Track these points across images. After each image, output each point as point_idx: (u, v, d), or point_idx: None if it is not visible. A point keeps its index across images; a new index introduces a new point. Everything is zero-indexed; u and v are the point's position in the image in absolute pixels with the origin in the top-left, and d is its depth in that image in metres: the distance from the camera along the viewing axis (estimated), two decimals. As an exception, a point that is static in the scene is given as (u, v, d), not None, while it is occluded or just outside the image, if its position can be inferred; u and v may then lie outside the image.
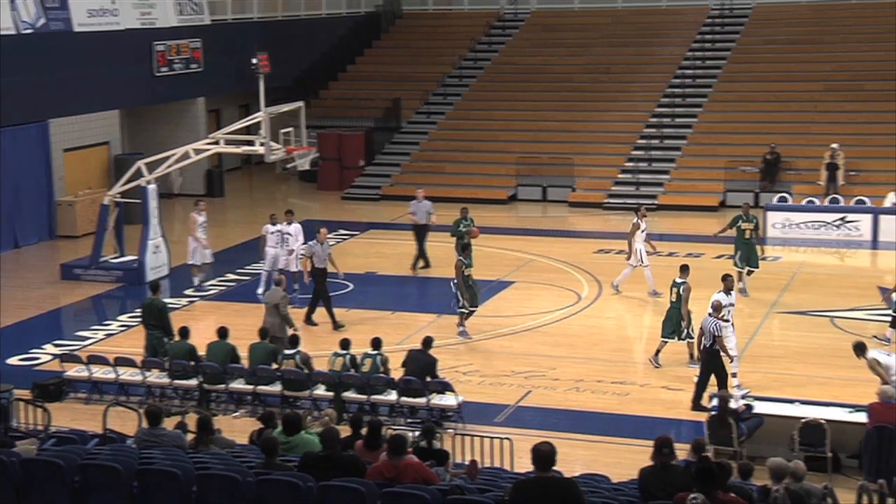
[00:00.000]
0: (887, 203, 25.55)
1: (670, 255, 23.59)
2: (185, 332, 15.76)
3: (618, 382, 16.06)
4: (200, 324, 18.26)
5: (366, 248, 24.82)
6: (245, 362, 15.42)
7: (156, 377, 15.67)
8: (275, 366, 15.18)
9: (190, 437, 10.89)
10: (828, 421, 12.63)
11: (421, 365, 14.65)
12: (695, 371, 15.45)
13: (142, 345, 16.49)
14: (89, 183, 28.22)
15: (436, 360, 14.82)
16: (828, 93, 31.14)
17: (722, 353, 14.70)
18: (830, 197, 26.73)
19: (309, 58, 35.87)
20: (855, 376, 14.46)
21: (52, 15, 25.06)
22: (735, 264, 20.34)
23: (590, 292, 21.01)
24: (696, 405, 14.69)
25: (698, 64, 33.37)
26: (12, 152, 25.32)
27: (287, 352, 15.21)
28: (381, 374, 14.78)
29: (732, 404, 12.99)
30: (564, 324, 19.14)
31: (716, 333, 14.59)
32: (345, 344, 15.28)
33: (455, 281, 18.17)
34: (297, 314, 17.95)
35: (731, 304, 15.81)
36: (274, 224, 21.04)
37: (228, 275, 22.92)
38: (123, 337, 18.75)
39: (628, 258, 20.52)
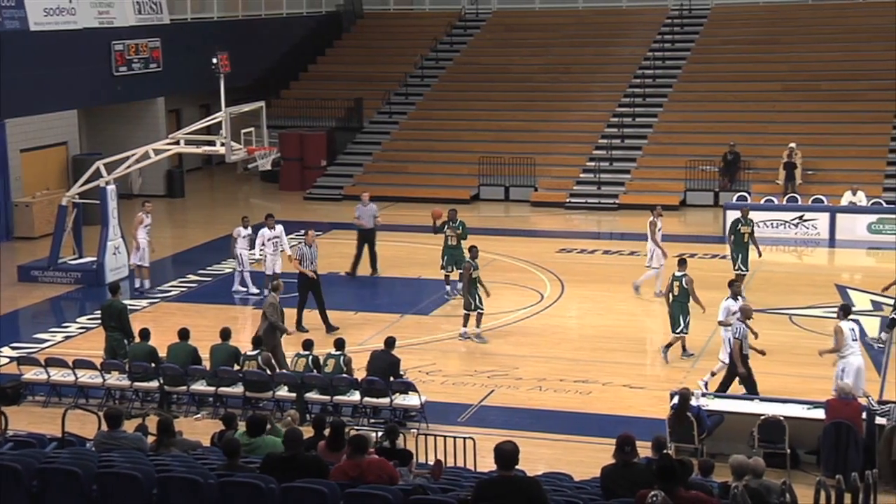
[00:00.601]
0: (844, 201, 25.87)
1: (632, 254, 23.76)
2: (145, 333, 15.63)
3: (580, 381, 16.13)
4: (161, 325, 18.11)
5: (328, 248, 24.66)
6: (207, 364, 15.32)
7: (116, 379, 15.54)
8: (237, 367, 15.10)
9: (151, 439, 10.81)
10: (786, 417, 12.77)
11: (384, 365, 14.64)
12: (688, 362, 15.41)
13: (101, 347, 16.33)
14: (47, 183, 27.91)
15: (399, 360, 14.81)
16: (785, 92, 31.48)
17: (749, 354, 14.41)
18: (788, 196, 27.02)
19: (270, 57, 35.69)
20: (813, 373, 14.64)
21: (8, 14, 24.72)
22: (738, 269, 19.72)
23: (552, 291, 21.08)
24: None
25: (658, 64, 33.61)
26: (-32, 153, 25.01)
27: (249, 353, 15.14)
28: (345, 375, 14.75)
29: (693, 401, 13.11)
30: (527, 323, 19.19)
31: (735, 336, 14.42)
32: (307, 345, 15.24)
33: (461, 283, 17.90)
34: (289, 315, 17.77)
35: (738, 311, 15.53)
36: (246, 227, 20.94)
37: (190, 276, 22.77)
38: (83, 339, 18.57)
39: (650, 260, 20.20)
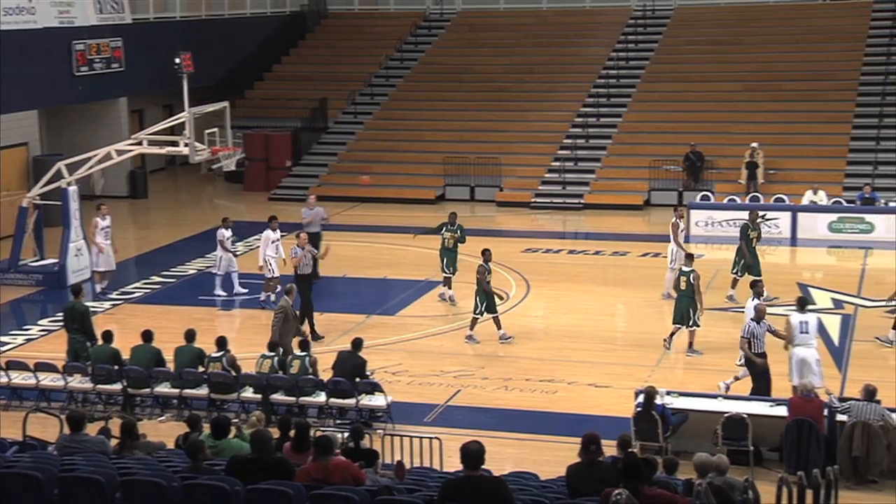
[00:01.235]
0: (805, 201, 26.15)
1: (596, 253, 23.86)
2: (108, 335, 15.50)
3: (546, 380, 16.18)
4: (125, 327, 17.96)
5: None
6: (171, 366, 15.21)
7: (78, 382, 15.39)
8: (201, 369, 15.00)
9: (114, 442, 10.71)
10: (749, 415, 12.88)
11: (350, 366, 14.61)
12: (694, 360, 15.63)
13: (64, 349, 16.16)
14: (7, 185, 27.57)
15: (365, 361, 14.78)
16: (747, 93, 31.75)
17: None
18: (750, 195, 27.27)
19: (234, 57, 35.49)
20: (775, 371, 14.76)
21: (-34, 14, 24.43)
22: (751, 273, 19.48)
23: (517, 291, 21.13)
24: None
25: (622, 64, 33.79)
26: (-74, 154, 24.65)
27: (214, 354, 15.05)
28: (310, 376, 14.70)
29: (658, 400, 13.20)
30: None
31: (742, 335, 14.60)
32: (272, 346, 15.18)
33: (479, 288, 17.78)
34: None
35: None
36: (227, 229, 20.57)
37: (154, 277, 22.59)
38: (44, 341, 18.37)
39: (673, 261, 19.81)
